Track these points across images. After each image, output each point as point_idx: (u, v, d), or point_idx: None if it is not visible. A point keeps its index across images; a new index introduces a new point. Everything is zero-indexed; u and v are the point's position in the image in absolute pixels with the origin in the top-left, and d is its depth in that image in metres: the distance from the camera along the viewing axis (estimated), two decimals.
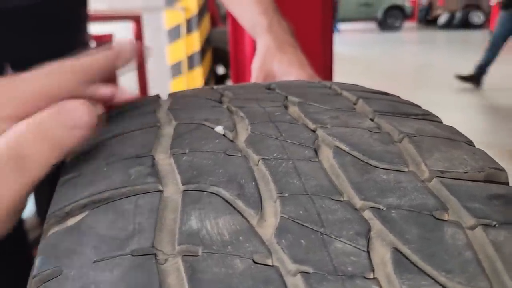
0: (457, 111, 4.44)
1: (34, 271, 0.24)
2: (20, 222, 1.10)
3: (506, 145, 3.27)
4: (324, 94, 0.39)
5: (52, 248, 0.24)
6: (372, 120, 0.34)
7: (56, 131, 0.28)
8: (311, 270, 0.21)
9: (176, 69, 4.55)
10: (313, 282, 0.20)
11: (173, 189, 0.26)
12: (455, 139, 0.32)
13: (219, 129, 0.32)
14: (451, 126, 0.35)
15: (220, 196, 0.25)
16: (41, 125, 0.28)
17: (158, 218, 0.24)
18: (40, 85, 0.32)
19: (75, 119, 0.29)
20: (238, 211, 0.24)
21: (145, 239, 0.23)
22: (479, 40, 11.31)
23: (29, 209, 2.01)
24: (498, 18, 5.65)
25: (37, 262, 0.24)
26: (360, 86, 0.44)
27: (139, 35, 3.29)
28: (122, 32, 3.32)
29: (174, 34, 4.57)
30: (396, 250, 0.22)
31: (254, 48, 0.74)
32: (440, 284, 0.21)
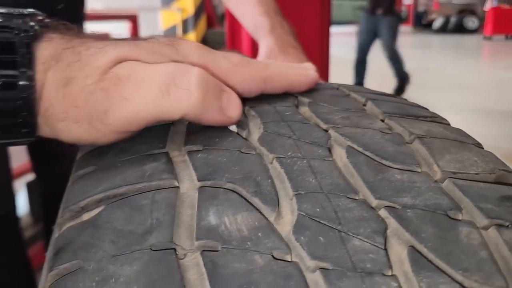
0: (452, 114, 4.46)
1: (50, 265, 0.24)
2: (16, 221, 1.09)
3: (500, 148, 3.29)
4: (333, 95, 0.39)
5: (68, 242, 0.24)
6: (382, 121, 0.34)
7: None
8: (330, 267, 0.21)
9: None
10: (333, 279, 0.21)
11: (189, 185, 0.27)
12: (464, 141, 0.32)
13: (232, 127, 0.32)
14: (459, 129, 0.36)
15: (236, 193, 0.26)
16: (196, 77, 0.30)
17: (176, 214, 0.24)
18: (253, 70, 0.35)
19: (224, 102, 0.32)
20: (256, 208, 0.25)
21: (164, 234, 0.23)
22: (473, 45, 11.38)
23: (24, 208, 2.00)
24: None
25: (52, 256, 0.24)
26: (366, 88, 0.45)
27: (135, 35, 3.28)
28: (119, 32, 3.31)
29: (170, 34, 4.57)
30: (412, 248, 0.22)
31: (251, 50, 0.74)
32: (458, 282, 0.21)
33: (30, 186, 2.04)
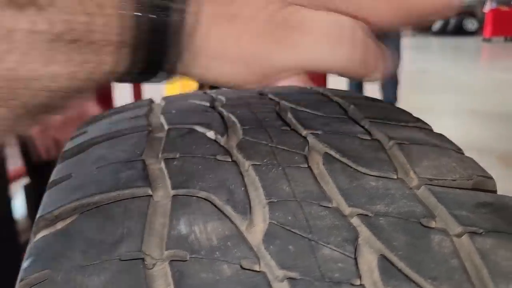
0: (450, 116, 4.46)
1: (21, 274, 0.24)
2: (12, 224, 1.09)
3: (496, 150, 3.29)
4: (316, 100, 0.39)
5: (40, 251, 0.24)
6: (363, 127, 0.34)
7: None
8: (298, 276, 0.21)
9: None
10: None
11: (163, 193, 0.26)
12: (444, 146, 0.32)
13: (210, 134, 0.32)
14: (441, 134, 0.36)
15: (209, 201, 0.25)
16: None
17: (147, 223, 0.24)
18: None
19: None
20: (227, 217, 0.24)
21: (134, 243, 0.23)
22: (472, 47, 11.39)
23: (20, 211, 1.99)
24: None
25: (24, 265, 0.24)
26: (353, 92, 0.44)
27: None
28: None
29: None
30: (383, 257, 0.22)
31: None
32: None
33: (27, 189, 2.04)
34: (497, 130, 3.95)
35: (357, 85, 4.41)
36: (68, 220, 0.26)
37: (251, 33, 0.28)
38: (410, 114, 0.39)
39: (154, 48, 0.26)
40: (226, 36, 0.28)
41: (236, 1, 0.28)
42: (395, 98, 4.41)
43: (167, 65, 0.27)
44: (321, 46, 0.29)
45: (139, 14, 0.25)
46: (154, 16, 0.25)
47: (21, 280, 0.23)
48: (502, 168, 2.69)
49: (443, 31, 15.26)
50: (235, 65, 0.28)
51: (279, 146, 0.30)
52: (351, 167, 0.28)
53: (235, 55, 0.28)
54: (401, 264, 0.22)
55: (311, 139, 0.31)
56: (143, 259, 0.22)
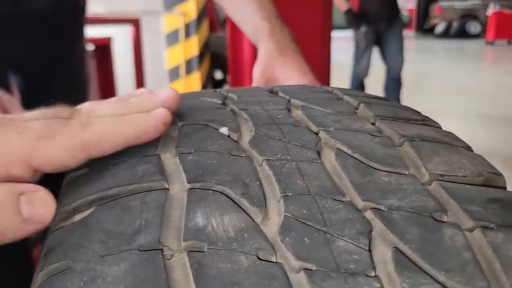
0: (452, 118, 4.46)
1: (41, 265, 0.24)
2: None
3: (501, 153, 3.29)
4: (326, 98, 0.40)
5: (59, 242, 0.25)
6: (373, 124, 0.34)
7: None
8: (314, 267, 0.21)
9: (174, 74, 4.56)
10: (316, 279, 0.21)
11: (178, 187, 0.27)
12: (454, 144, 0.33)
13: (223, 130, 0.32)
14: (450, 132, 0.36)
15: (225, 195, 0.26)
16: None
17: (164, 215, 0.25)
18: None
19: None
20: (243, 209, 0.25)
21: (152, 235, 0.23)
22: (475, 49, 11.37)
23: None
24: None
25: (43, 256, 0.25)
26: (361, 91, 0.45)
27: (138, 39, 3.30)
28: (121, 36, 3.33)
29: (172, 38, 4.58)
30: (397, 250, 0.23)
31: (252, 54, 0.75)
32: (440, 283, 0.21)
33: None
34: (501, 133, 3.95)
35: (357, 87, 4.41)
36: (86, 212, 0.26)
37: None
38: (419, 113, 0.40)
39: None
40: None
41: None
42: (397, 100, 4.37)
43: None
44: None
45: None
46: None
47: (41, 270, 0.24)
48: (510, 171, 2.69)
49: (446, 34, 15.26)
50: None
51: (291, 142, 0.31)
52: (363, 163, 0.29)
53: None
54: (414, 257, 0.22)
55: (323, 136, 0.32)
56: (161, 250, 0.23)
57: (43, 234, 0.28)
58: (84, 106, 0.32)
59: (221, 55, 4.55)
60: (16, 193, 0.26)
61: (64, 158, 0.28)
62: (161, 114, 0.31)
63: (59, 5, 0.74)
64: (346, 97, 0.40)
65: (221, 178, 0.27)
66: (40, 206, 0.26)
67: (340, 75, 4.49)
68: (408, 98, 5.20)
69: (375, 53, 4.46)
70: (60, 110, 0.30)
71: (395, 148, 0.31)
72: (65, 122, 0.29)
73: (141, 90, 0.37)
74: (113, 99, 0.36)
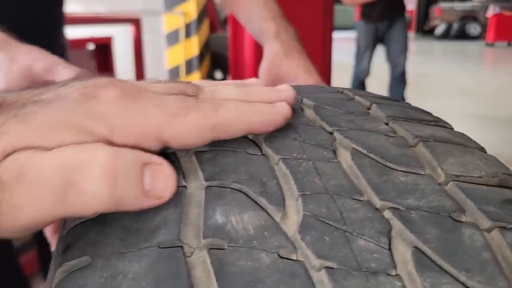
0: (453, 120, 4.45)
1: (58, 261, 0.24)
2: None
3: (503, 155, 3.29)
4: (338, 99, 0.40)
5: (77, 239, 0.25)
6: (387, 124, 0.34)
7: None
8: (335, 266, 0.22)
9: (174, 73, 4.56)
10: (338, 277, 0.21)
11: (196, 185, 0.27)
12: (467, 145, 0.33)
13: None
14: (462, 133, 0.36)
15: (243, 193, 0.26)
16: None
17: (183, 212, 0.25)
18: None
19: None
20: (262, 208, 0.25)
21: (171, 232, 0.23)
22: (475, 51, 11.39)
23: None
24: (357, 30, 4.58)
25: (61, 253, 0.25)
26: (370, 92, 0.45)
27: (138, 39, 3.30)
28: (122, 35, 3.33)
29: (172, 38, 4.59)
30: (416, 249, 0.23)
31: (254, 55, 0.75)
32: (461, 283, 0.21)
33: None
34: (502, 134, 3.95)
35: (358, 87, 4.43)
36: None
37: None
38: (430, 114, 0.40)
39: None
40: None
41: None
42: (402, 99, 4.35)
43: None
44: (46, 201, 0.24)
45: None
46: None
47: (60, 267, 0.23)
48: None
49: (446, 35, 15.27)
50: None
51: (306, 141, 0.31)
52: (379, 163, 0.29)
53: None
54: (434, 256, 0.22)
55: (337, 135, 0.32)
56: (181, 247, 0.23)
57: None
58: (204, 85, 0.32)
59: (221, 55, 4.56)
60: (143, 162, 0.25)
61: (194, 137, 0.28)
62: (285, 108, 0.31)
63: (36, 1, 0.74)
64: (357, 98, 0.40)
65: (238, 177, 0.27)
66: (163, 180, 0.26)
67: (341, 76, 4.49)
68: (409, 99, 5.21)
69: (379, 53, 4.46)
70: (185, 86, 0.30)
71: (410, 148, 0.31)
72: (199, 102, 0.29)
73: (253, 79, 0.36)
74: (228, 82, 0.35)
